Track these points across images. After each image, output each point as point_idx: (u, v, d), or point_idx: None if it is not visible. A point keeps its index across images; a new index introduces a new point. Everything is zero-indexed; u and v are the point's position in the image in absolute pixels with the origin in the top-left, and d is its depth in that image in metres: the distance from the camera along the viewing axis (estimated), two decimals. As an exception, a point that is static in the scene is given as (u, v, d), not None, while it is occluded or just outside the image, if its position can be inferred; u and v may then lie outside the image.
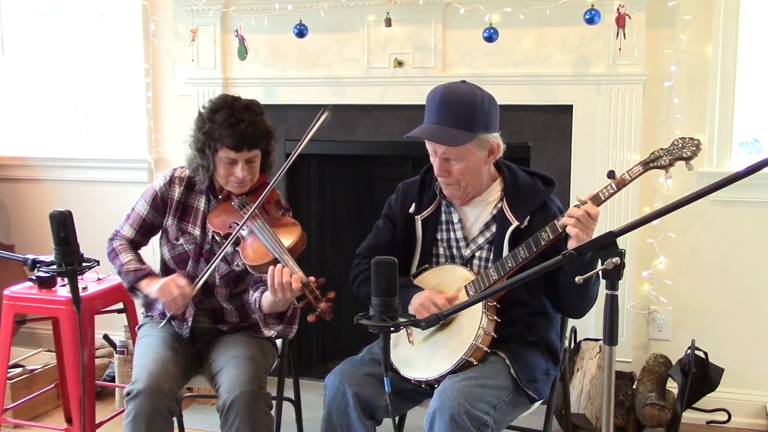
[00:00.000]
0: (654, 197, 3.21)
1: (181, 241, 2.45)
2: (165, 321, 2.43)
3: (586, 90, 3.19)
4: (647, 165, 2.03)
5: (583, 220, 1.96)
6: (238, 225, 2.29)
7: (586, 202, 2.01)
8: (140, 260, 2.48)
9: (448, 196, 2.27)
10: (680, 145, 2.02)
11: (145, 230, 2.51)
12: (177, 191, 2.47)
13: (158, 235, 2.55)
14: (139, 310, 2.92)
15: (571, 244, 1.98)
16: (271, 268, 2.16)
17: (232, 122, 2.26)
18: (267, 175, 2.45)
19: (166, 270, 2.51)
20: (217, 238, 2.38)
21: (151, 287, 2.34)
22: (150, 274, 2.42)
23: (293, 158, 2.26)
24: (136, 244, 2.51)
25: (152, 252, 2.61)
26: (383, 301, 1.64)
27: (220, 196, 2.45)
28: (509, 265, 2.11)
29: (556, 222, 2.04)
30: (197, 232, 2.45)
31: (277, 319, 2.36)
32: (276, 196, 2.47)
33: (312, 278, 2.14)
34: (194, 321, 2.46)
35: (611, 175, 2.03)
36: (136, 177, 3.85)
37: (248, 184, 2.37)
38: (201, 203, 2.46)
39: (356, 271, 2.41)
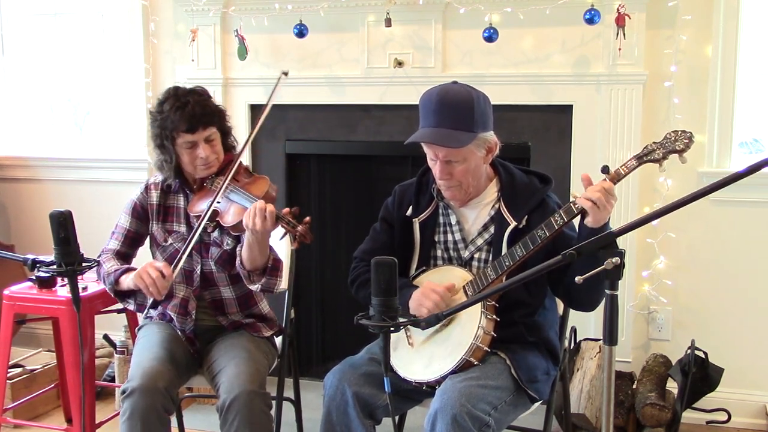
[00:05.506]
0: (654, 197, 3.21)
1: (170, 240, 2.48)
2: (149, 306, 2.39)
3: (586, 90, 3.19)
4: (641, 159, 2.04)
5: (604, 195, 1.97)
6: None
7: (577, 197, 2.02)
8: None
9: (450, 198, 2.26)
10: (673, 138, 2.02)
11: (130, 240, 2.52)
12: (154, 196, 2.51)
13: (148, 245, 2.56)
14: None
15: (590, 222, 1.99)
16: (247, 209, 2.20)
17: (179, 106, 2.32)
18: (232, 155, 2.49)
19: None
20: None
21: (128, 278, 2.34)
22: (128, 270, 2.39)
23: (257, 129, 2.44)
24: (122, 255, 2.50)
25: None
26: (383, 301, 1.64)
27: (195, 187, 2.48)
28: (506, 263, 2.10)
29: (552, 219, 2.04)
30: (183, 228, 2.48)
31: (260, 274, 2.36)
32: (243, 167, 2.49)
33: (286, 209, 2.19)
34: (196, 317, 2.47)
35: (605, 170, 2.04)
36: (136, 177, 3.84)
37: (215, 163, 2.42)
38: (180, 201, 2.50)
39: (354, 274, 2.40)
